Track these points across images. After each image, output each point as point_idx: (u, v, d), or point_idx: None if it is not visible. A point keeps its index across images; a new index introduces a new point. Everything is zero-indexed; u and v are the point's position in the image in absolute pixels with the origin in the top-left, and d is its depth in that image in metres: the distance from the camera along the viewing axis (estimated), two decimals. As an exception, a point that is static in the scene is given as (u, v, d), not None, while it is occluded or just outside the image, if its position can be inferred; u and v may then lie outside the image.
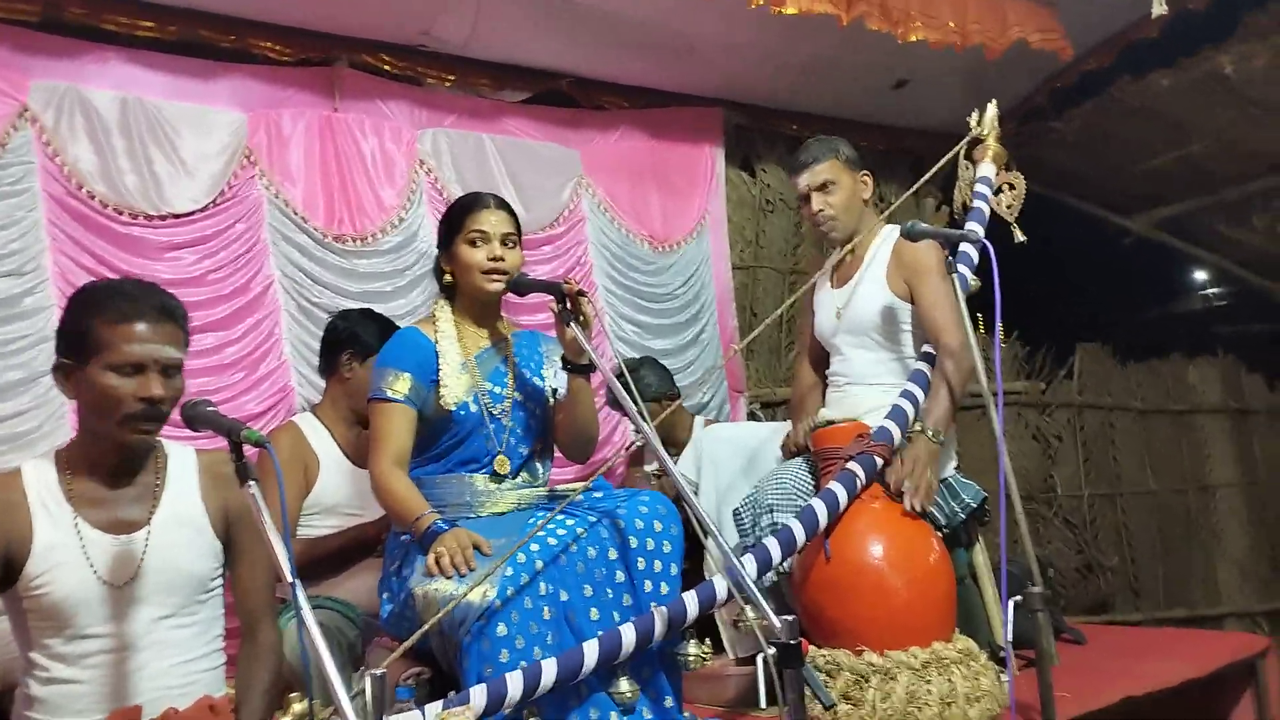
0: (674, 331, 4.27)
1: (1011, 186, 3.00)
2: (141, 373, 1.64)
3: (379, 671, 1.34)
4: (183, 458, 1.81)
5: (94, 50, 3.31)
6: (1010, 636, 2.06)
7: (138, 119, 3.29)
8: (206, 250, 3.35)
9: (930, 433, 2.41)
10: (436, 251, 2.30)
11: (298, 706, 1.40)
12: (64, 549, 1.63)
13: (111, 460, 1.71)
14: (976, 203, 2.91)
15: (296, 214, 3.53)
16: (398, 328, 2.57)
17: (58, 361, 1.70)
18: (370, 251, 3.65)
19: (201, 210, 3.36)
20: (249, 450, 1.53)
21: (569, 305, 2.06)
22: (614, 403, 3.44)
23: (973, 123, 3.01)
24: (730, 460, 2.78)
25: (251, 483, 1.46)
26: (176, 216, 3.31)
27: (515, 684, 1.67)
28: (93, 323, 1.65)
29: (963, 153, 3.03)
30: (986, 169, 2.98)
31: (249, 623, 1.81)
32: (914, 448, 2.38)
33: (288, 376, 3.44)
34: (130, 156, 3.26)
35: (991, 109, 3.02)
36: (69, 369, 1.67)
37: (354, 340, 2.81)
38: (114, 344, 1.63)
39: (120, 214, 3.22)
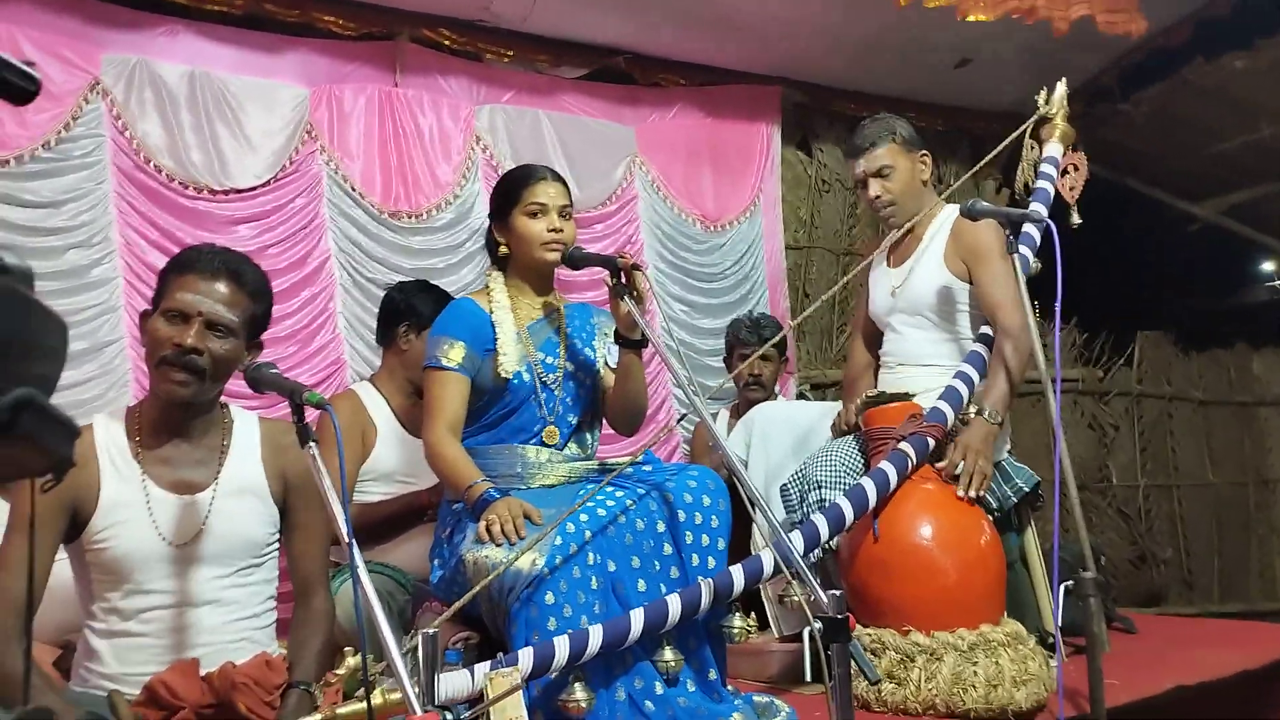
0: (723, 311, 4.27)
1: (1076, 168, 2.93)
2: (185, 321, 1.68)
3: (431, 631, 1.37)
4: (247, 424, 1.85)
5: (163, 23, 3.39)
6: (1060, 621, 2.04)
7: (205, 94, 3.36)
8: (267, 225, 3.43)
9: (987, 413, 2.37)
10: (487, 228, 2.33)
11: (351, 660, 1.44)
12: (130, 506, 1.67)
13: (169, 418, 1.75)
14: (1041, 183, 2.84)
15: (354, 190, 3.59)
16: (453, 299, 2.61)
17: (143, 311, 1.79)
18: (425, 228, 3.70)
19: (263, 185, 3.43)
20: (309, 414, 1.56)
21: (623, 279, 2.08)
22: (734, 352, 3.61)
23: (1040, 101, 2.93)
24: (781, 439, 2.78)
25: (311, 444, 1.49)
26: (239, 191, 3.39)
27: (562, 648, 1.70)
28: (167, 274, 1.74)
29: (1028, 132, 2.96)
30: (1053, 149, 2.89)
31: (303, 589, 1.84)
32: (969, 431, 2.35)
33: (340, 350, 3.51)
34: (196, 131, 3.34)
35: (1060, 87, 2.93)
36: (146, 318, 1.75)
37: (411, 312, 2.85)
38: (169, 292, 1.70)
39: (185, 188, 3.31)
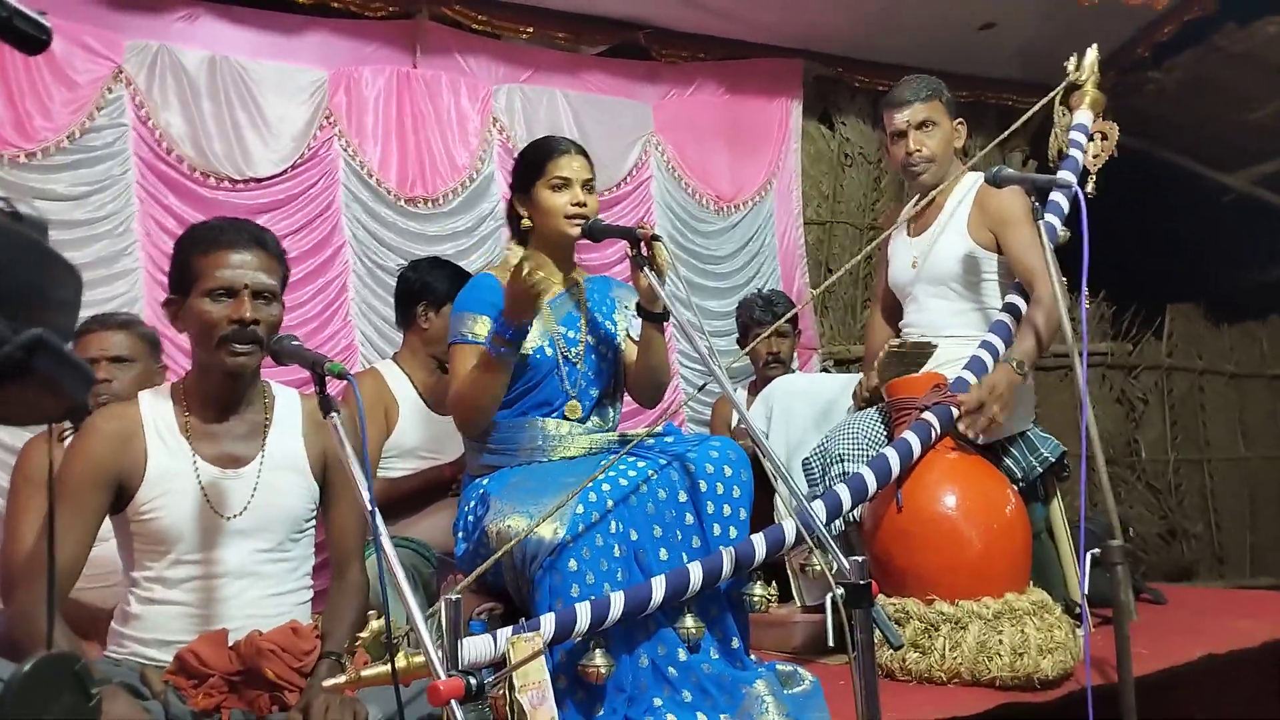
0: (732, 293, 4.24)
1: (1104, 136, 2.87)
2: (233, 296, 1.70)
3: (454, 597, 1.38)
4: (288, 400, 1.87)
5: (184, 6, 3.40)
6: (1086, 590, 2.02)
7: (225, 80, 3.37)
8: (285, 213, 3.43)
9: (1015, 363, 2.32)
10: (507, 200, 2.32)
11: (375, 624, 1.45)
12: (177, 477, 1.71)
13: (220, 393, 1.78)
14: (1072, 151, 2.79)
15: (371, 176, 3.60)
16: (467, 274, 2.62)
17: (167, 299, 1.79)
18: (439, 214, 3.70)
19: (282, 174, 3.44)
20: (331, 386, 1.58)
21: (643, 250, 2.07)
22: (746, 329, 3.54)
23: (1070, 67, 2.87)
24: (801, 412, 2.76)
25: (334, 414, 1.50)
26: (259, 181, 3.40)
27: (584, 614, 1.71)
28: (190, 257, 1.74)
29: (1058, 99, 2.91)
30: (1084, 116, 2.82)
31: (339, 563, 1.87)
32: (995, 373, 2.31)
33: (352, 335, 3.52)
34: (217, 120, 3.35)
35: (1091, 53, 2.86)
36: (176, 304, 1.76)
37: (427, 290, 2.87)
38: (207, 271, 1.71)
39: (206, 178, 3.32)
